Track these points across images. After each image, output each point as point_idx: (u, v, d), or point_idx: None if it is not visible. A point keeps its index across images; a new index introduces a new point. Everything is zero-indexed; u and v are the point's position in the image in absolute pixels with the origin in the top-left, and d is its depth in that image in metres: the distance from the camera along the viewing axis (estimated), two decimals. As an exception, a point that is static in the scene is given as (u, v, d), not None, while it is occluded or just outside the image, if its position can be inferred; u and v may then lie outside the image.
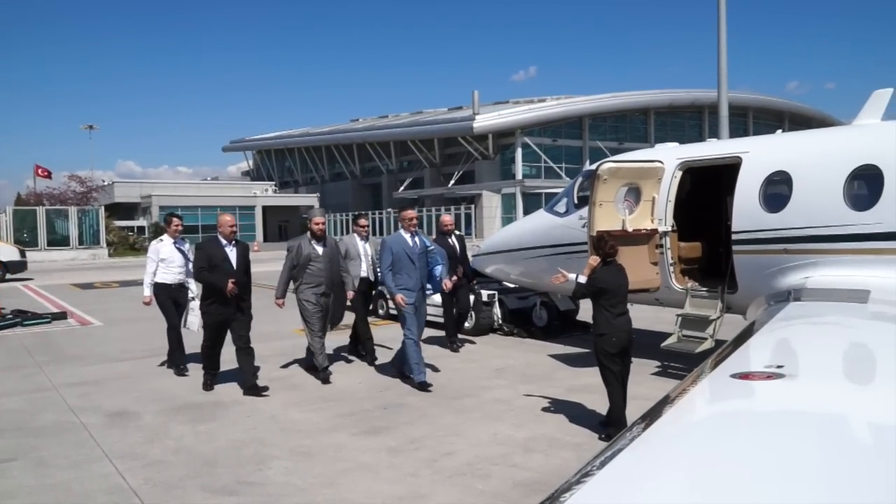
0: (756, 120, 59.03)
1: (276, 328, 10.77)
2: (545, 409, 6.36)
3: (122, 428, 6.18)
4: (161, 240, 8.49)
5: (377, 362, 8.45)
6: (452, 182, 55.93)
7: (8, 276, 22.88)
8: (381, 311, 12.01)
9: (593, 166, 8.01)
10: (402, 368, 7.61)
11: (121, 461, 5.28)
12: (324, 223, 7.89)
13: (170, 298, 8.28)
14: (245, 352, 7.30)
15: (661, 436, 2.15)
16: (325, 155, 69.98)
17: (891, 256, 5.97)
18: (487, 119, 51.90)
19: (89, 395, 7.35)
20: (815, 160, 6.79)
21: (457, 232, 10.25)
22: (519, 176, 51.44)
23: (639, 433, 2.11)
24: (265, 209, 56.30)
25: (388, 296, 8.62)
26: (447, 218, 10.15)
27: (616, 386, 5.59)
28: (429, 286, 7.70)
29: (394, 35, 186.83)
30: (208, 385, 7.42)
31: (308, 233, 7.81)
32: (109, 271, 27.76)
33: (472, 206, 49.40)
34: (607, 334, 5.55)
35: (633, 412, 5.25)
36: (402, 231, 7.53)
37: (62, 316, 13.50)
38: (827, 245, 6.45)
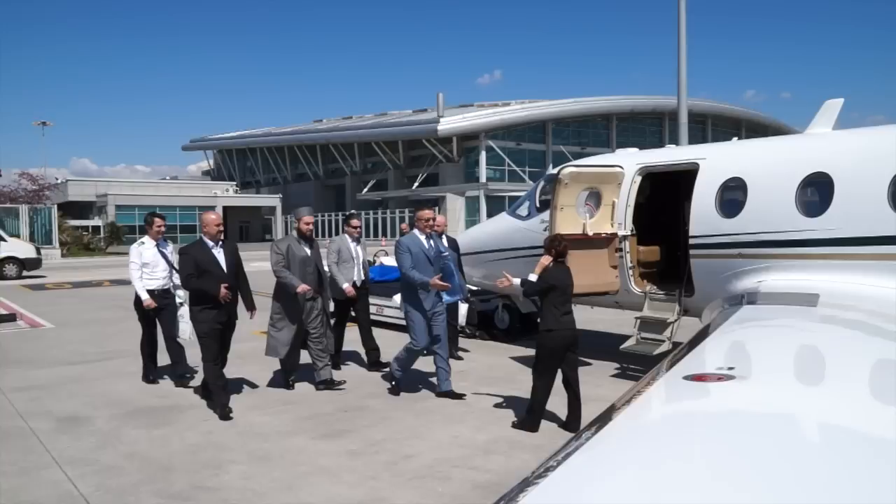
0: (714, 127, 60.42)
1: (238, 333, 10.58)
2: (506, 411, 6.39)
3: (73, 433, 6.01)
4: (142, 242, 7.67)
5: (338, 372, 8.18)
6: (416, 184, 55.92)
7: (24, 273, 23.60)
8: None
9: (555, 170, 8.10)
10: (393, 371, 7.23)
11: (71, 467, 5.13)
12: (312, 222, 7.52)
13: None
14: (224, 362, 6.81)
15: (613, 437, 2.19)
16: (287, 155, 69.34)
17: (839, 261, 6.16)
18: (452, 122, 52.08)
19: (39, 400, 7.13)
20: (769, 167, 6.97)
21: (448, 234, 9.44)
22: (483, 179, 51.73)
23: (593, 434, 2.14)
24: (226, 209, 55.35)
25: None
26: (440, 218, 9.27)
27: (546, 380, 5.80)
28: (445, 296, 7.02)
29: (358, 36, 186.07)
30: (226, 414, 6.34)
31: (295, 232, 7.42)
32: (63, 272, 27.00)
33: (436, 208, 49.42)
34: (555, 330, 5.76)
35: (592, 413, 5.30)
36: (416, 232, 7.05)
37: (11, 318, 13.04)
38: (779, 250, 6.63)
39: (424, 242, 6.95)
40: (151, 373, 7.75)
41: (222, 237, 6.74)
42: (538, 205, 8.85)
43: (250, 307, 6.93)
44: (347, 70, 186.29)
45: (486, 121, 53.13)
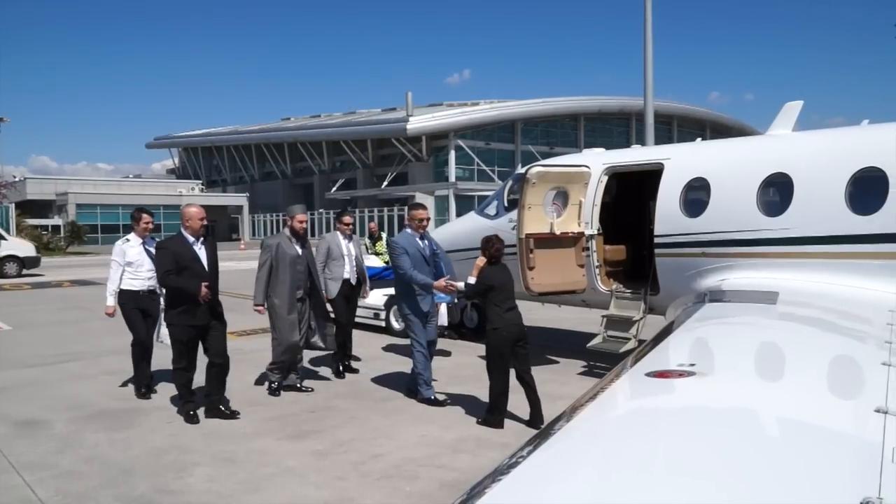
0: (680, 128, 61.33)
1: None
2: (474, 410, 6.41)
3: (32, 437, 5.85)
4: (127, 239, 7.12)
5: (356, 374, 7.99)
6: (386, 183, 55.75)
7: (24, 271, 23.91)
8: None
9: (523, 170, 8.14)
10: (410, 386, 7.04)
11: (29, 472, 5.00)
12: (306, 220, 7.36)
13: (137, 308, 7.04)
14: (219, 368, 6.33)
15: (576, 433, 2.21)
16: (254, 154, 68.53)
17: (798, 260, 6.31)
18: (421, 121, 52.00)
19: (-5, 403, 6.94)
20: (732, 168, 7.10)
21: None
22: (452, 178, 51.76)
23: (555, 431, 2.16)
24: (191, 208, 54.55)
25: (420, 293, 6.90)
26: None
27: (501, 377, 5.89)
28: (442, 295, 7.03)
29: (326, 35, 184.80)
30: (194, 418, 6.14)
31: (287, 230, 7.22)
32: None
33: (405, 207, 49.36)
34: (500, 328, 5.88)
35: (560, 410, 5.36)
36: (409, 231, 6.91)
37: (-33, 319, 12.72)
38: (741, 249, 6.76)
39: (419, 242, 6.85)
40: (145, 384, 7.13)
41: (204, 233, 6.32)
42: (506, 204, 8.90)
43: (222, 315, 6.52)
44: (316, 69, 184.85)
45: (456, 120, 53.17)
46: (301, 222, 7.20)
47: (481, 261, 6.05)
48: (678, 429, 2.25)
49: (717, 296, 6.01)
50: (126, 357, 7.48)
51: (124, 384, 7.46)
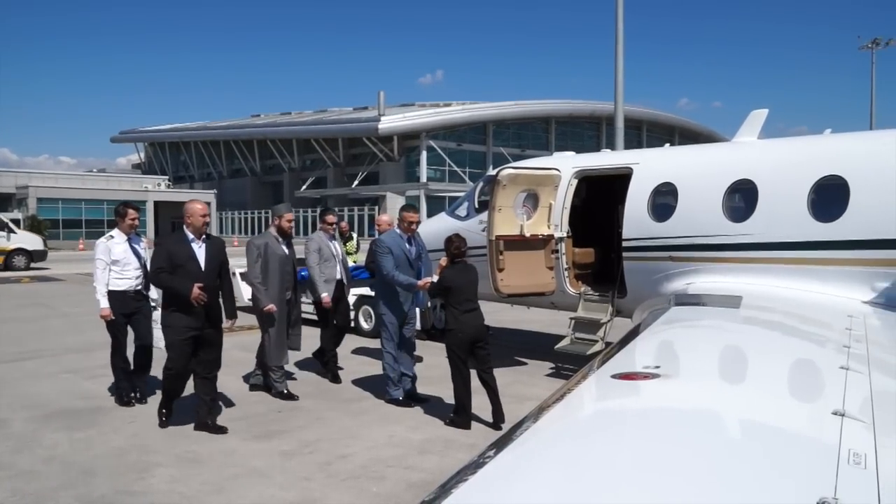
0: (649, 133, 62.21)
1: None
2: (442, 411, 6.41)
3: (-13, 437, 5.70)
4: (111, 236, 6.65)
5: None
6: (356, 183, 55.52)
7: (32, 265, 24.18)
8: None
9: (494, 172, 8.18)
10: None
11: (-16, 473, 4.87)
12: (293, 219, 7.20)
13: (121, 312, 6.55)
14: (209, 381, 5.95)
15: (541, 434, 2.24)
16: (223, 150, 67.67)
17: (762, 265, 6.45)
18: (393, 121, 51.89)
19: (-51, 402, 6.74)
20: (698, 173, 7.23)
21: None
22: (423, 179, 51.79)
23: (522, 432, 2.18)
24: (157, 205, 53.65)
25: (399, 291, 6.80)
26: (388, 217, 8.82)
27: (462, 378, 5.92)
28: (421, 298, 7.01)
29: (298, 30, 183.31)
30: (163, 420, 5.93)
31: (273, 230, 7.05)
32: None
33: (376, 207, 49.19)
34: (454, 330, 5.92)
35: (525, 412, 5.40)
36: (397, 231, 6.83)
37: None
38: (707, 253, 6.88)
39: (406, 243, 6.78)
40: (126, 392, 6.67)
41: (207, 231, 5.98)
42: (477, 205, 8.92)
43: (231, 315, 6.22)
44: (287, 66, 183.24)
45: (428, 120, 53.17)
46: (289, 221, 7.08)
47: (444, 261, 6.10)
48: (642, 430, 2.29)
49: (682, 299, 6.10)
50: (88, 355, 7.34)
51: (127, 402, 6.68)
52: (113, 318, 6.53)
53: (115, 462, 5.10)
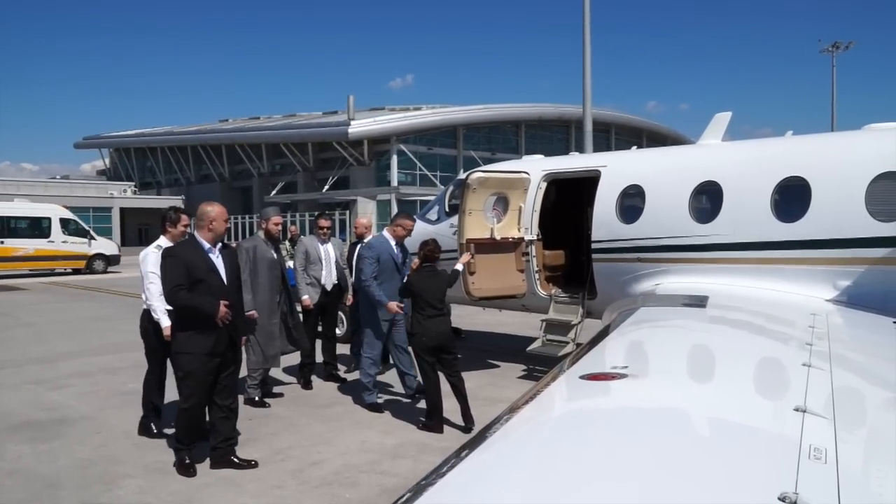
0: (618, 136, 62.89)
1: (135, 337, 10.08)
2: (415, 415, 6.41)
3: (-53, 451, 5.54)
4: (160, 246, 5.55)
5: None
6: (327, 187, 55.16)
7: (109, 269, 26.65)
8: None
9: (464, 175, 8.21)
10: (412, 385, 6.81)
11: (-57, 488, 4.74)
12: (281, 223, 7.09)
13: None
14: (229, 412, 5.16)
15: (510, 436, 2.26)
16: (191, 155, 66.73)
17: (728, 265, 6.57)
18: (363, 125, 51.70)
19: None
20: (665, 176, 7.34)
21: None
22: (394, 183, 51.67)
23: (492, 433, 2.19)
24: (123, 211, 52.76)
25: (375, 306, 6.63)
26: (366, 220, 8.78)
27: (431, 379, 5.95)
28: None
29: (267, 36, 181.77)
30: (191, 471, 4.96)
31: (261, 233, 6.94)
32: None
33: (347, 211, 48.95)
34: (417, 335, 5.96)
35: (496, 414, 5.42)
36: (387, 235, 6.76)
37: None
38: (674, 255, 6.99)
39: (395, 248, 6.73)
40: (154, 422, 5.92)
41: (223, 239, 5.16)
42: (447, 209, 8.96)
43: (248, 331, 5.73)
44: (255, 70, 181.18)
45: (398, 124, 53.07)
46: (276, 224, 7.00)
47: (415, 263, 6.13)
48: (609, 429, 2.32)
49: (650, 300, 6.19)
50: (52, 365, 7.18)
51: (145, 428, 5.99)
52: (155, 344, 5.68)
53: (80, 474, 5.00)
